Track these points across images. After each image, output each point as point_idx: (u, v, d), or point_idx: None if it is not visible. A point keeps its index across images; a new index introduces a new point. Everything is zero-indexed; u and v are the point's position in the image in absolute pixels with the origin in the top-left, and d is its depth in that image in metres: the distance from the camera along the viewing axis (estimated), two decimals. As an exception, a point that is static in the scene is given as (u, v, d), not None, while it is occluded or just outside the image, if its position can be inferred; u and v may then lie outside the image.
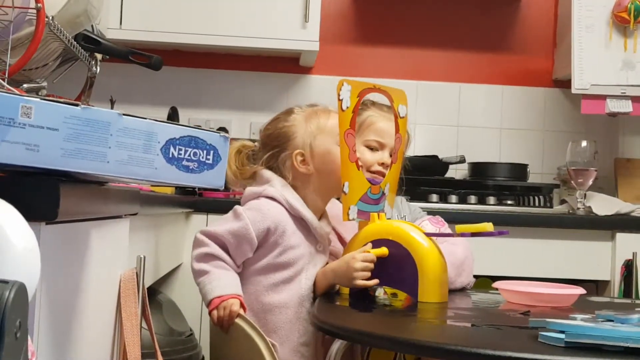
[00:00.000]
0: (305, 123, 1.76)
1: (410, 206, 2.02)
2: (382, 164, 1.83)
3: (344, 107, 1.61)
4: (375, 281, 1.60)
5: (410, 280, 1.56)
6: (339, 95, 1.60)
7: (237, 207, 1.72)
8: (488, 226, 1.54)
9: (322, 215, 1.80)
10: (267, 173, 1.77)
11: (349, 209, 1.63)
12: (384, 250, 1.59)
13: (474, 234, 1.57)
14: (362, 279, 1.59)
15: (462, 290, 1.81)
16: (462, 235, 1.57)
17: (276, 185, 1.74)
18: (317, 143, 1.74)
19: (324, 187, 1.76)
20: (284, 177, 1.75)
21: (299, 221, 1.73)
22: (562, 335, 1.09)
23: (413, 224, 1.66)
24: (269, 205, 1.71)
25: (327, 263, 1.75)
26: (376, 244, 1.61)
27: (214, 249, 1.66)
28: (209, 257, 1.67)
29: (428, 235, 1.60)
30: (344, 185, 1.62)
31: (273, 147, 1.78)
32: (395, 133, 1.76)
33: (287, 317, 1.69)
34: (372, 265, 1.59)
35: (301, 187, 1.76)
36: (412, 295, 1.56)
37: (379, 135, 1.86)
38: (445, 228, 1.84)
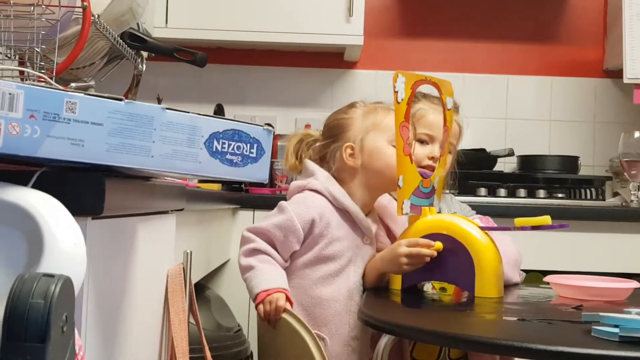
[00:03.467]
0: (362, 118, 1.76)
1: (460, 204, 1.98)
2: (432, 158, 1.81)
3: (399, 100, 1.59)
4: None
5: (466, 275, 1.53)
6: (394, 87, 1.58)
7: (281, 202, 1.73)
8: (548, 219, 1.50)
9: (369, 211, 1.79)
10: (312, 165, 1.77)
11: (403, 203, 1.61)
12: (438, 245, 1.56)
13: (534, 228, 1.53)
14: (409, 265, 1.57)
15: (513, 284, 1.77)
16: (522, 229, 1.53)
17: (320, 178, 1.74)
18: (368, 139, 1.73)
19: (370, 183, 1.74)
20: (330, 168, 1.76)
21: (344, 213, 1.72)
22: (616, 330, 1.06)
23: (467, 218, 1.64)
24: (312, 197, 1.71)
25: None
26: (430, 238, 1.58)
27: (260, 244, 1.67)
28: (255, 252, 1.67)
29: (483, 229, 1.58)
30: (399, 179, 1.60)
31: (328, 137, 1.79)
32: (443, 125, 1.73)
33: (337, 311, 1.68)
34: (417, 251, 1.57)
35: (347, 181, 1.75)
36: (468, 291, 1.53)
37: (429, 128, 1.84)
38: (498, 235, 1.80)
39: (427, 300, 1.60)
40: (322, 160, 1.79)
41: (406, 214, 1.62)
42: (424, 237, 1.59)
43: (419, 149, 1.82)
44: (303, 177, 1.78)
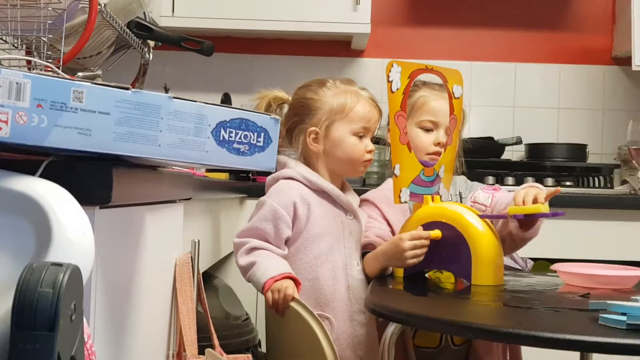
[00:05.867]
0: (330, 102, 1.78)
1: (468, 182, 1.96)
2: (438, 144, 1.81)
3: (394, 89, 1.59)
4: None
5: (463, 263, 1.53)
6: (388, 77, 1.58)
7: (260, 198, 1.77)
8: (542, 207, 1.50)
9: (343, 187, 1.83)
10: (283, 158, 1.81)
11: (401, 191, 1.62)
12: (437, 233, 1.57)
13: (527, 216, 1.54)
14: (414, 258, 1.57)
15: (520, 272, 1.77)
16: (515, 217, 1.54)
17: (291, 166, 1.78)
18: (333, 128, 1.77)
19: (331, 167, 1.80)
20: (296, 148, 1.80)
21: (321, 194, 1.76)
22: (623, 318, 1.06)
23: (467, 207, 1.63)
24: (288, 184, 1.75)
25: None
26: (430, 226, 1.58)
27: (255, 242, 1.70)
28: (252, 250, 1.69)
29: (482, 217, 1.58)
30: (394, 168, 1.61)
31: (295, 115, 1.82)
32: (450, 114, 1.73)
33: (336, 288, 1.71)
34: (420, 242, 1.57)
35: (312, 163, 1.80)
36: (465, 278, 1.54)
37: (431, 114, 1.84)
38: (499, 193, 1.79)
39: (433, 288, 1.60)
40: (288, 133, 1.82)
41: (404, 202, 1.63)
42: (425, 224, 1.59)
43: (424, 137, 1.82)
44: (277, 170, 1.80)
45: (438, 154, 1.79)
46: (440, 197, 1.68)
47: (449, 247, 1.56)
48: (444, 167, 1.71)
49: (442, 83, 1.75)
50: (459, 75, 1.75)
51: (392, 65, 1.59)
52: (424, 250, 1.57)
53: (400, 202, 1.62)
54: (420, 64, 1.67)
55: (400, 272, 1.64)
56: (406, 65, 1.62)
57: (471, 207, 1.68)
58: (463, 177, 1.95)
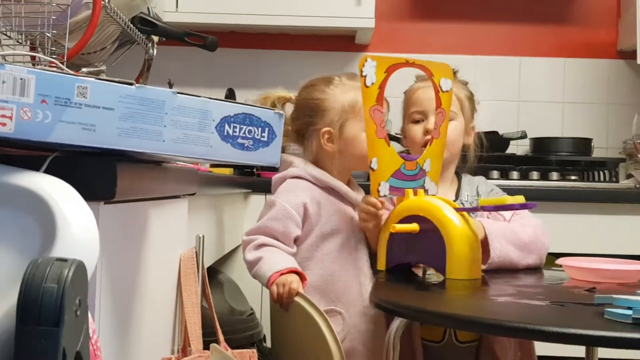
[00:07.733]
0: (340, 99, 1.76)
1: (487, 184, 1.95)
2: (427, 132, 1.80)
3: (368, 84, 1.60)
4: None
5: (439, 256, 1.53)
6: (361, 71, 1.59)
7: (269, 197, 1.77)
8: (509, 198, 1.50)
9: (349, 184, 1.83)
10: (288, 157, 1.81)
11: (379, 185, 1.62)
12: (414, 227, 1.56)
13: (497, 207, 1.54)
14: (364, 222, 1.69)
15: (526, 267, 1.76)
16: (484, 209, 1.54)
17: (299, 165, 1.78)
18: (346, 127, 1.75)
19: (346, 166, 1.80)
20: (309, 149, 1.79)
21: (330, 191, 1.77)
22: (629, 312, 1.06)
23: (446, 199, 1.61)
24: (296, 183, 1.75)
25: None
26: (409, 219, 1.58)
27: (263, 239, 1.70)
28: (260, 247, 1.70)
29: (459, 211, 1.56)
30: (371, 162, 1.61)
31: (305, 116, 1.80)
32: (437, 108, 1.72)
33: (347, 284, 1.73)
34: (366, 208, 1.66)
35: (325, 163, 1.79)
36: (441, 272, 1.54)
37: (417, 105, 1.84)
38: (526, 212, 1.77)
39: (437, 283, 1.60)
40: (298, 134, 1.81)
41: (383, 196, 1.63)
42: (404, 218, 1.59)
43: (414, 129, 1.83)
44: (282, 169, 1.81)
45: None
46: (427, 190, 1.68)
47: (427, 241, 1.56)
48: (429, 161, 1.70)
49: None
50: (448, 69, 1.74)
51: (366, 60, 1.60)
52: (375, 218, 1.66)
53: (379, 196, 1.63)
54: (400, 58, 1.68)
55: (382, 266, 1.65)
56: (382, 60, 1.62)
57: (488, 217, 1.70)
58: (482, 178, 1.95)
